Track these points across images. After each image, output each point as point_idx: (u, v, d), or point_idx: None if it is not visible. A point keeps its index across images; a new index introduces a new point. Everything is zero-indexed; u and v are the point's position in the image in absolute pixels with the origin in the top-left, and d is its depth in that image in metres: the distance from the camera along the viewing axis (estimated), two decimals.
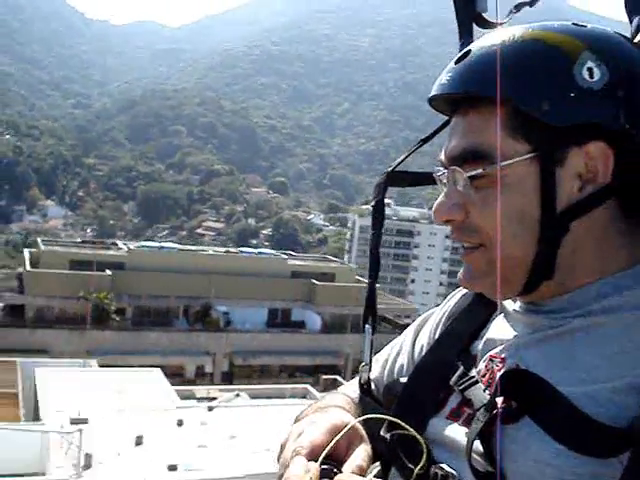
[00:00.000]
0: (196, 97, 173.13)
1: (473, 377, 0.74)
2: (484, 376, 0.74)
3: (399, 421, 0.71)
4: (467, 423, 0.72)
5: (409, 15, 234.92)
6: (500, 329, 0.79)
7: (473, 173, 0.71)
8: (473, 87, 0.71)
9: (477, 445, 0.67)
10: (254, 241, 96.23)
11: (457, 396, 0.76)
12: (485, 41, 0.74)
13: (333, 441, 0.66)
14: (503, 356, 0.74)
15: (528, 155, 0.69)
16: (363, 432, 0.72)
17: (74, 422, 11.50)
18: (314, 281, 33.14)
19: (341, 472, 0.64)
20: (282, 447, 0.71)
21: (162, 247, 37.32)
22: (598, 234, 0.71)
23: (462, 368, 0.77)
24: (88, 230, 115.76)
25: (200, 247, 43.21)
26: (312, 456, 0.65)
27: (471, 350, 0.81)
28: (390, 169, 0.89)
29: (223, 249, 43.53)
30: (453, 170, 0.73)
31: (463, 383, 0.74)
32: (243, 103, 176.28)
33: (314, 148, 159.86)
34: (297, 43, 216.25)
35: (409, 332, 0.97)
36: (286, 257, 35.72)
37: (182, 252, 36.07)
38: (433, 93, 0.77)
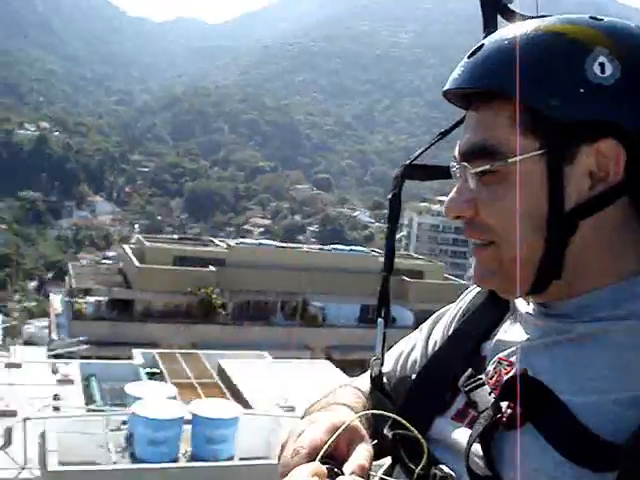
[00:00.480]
0: (237, 94, 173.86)
1: (480, 379, 0.73)
2: (492, 378, 0.74)
3: (401, 419, 0.71)
4: (471, 425, 0.71)
5: (449, 10, 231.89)
6: (511, 331, 0.79)
7: (480, 169, 0.71)
8: (483, 82, 0.71)
9: (477, 448, 0.67)
10: (301, 237, 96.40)
11: (464, 397, 0.74)
12: (498, 35, 0.73)
13: (330, 440, 0.65)
14: (512, 359, 0.74)
15: (536, 152, 0.68)
16: (364, 431, 0.71)
17: (286, 409, 12.05)
18: (405, 278, 33.41)
19: (342, 472, 0.63)
20: (282, 447, 0.70)
21: (260, 244, 38.19)
22: (609, 234, 0.70)
23: (470, 369, 0.75)
24: (136, 226, 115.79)
25: (296, 245, 43.34)
26: (312, 456, 0.64)
27: (481, 350, 0.80)
28: (408, 162, 0.87)
29: (317, 246, 44.18)
30: (463, 166, 0.74)
31: (469, 384, 0.73)
32: (284, 100, 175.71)
33: (355, 145, 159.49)
34: (336, 39, 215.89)
35: (425, 327, 0.97)
36: (377, 254, 35.94)
37: (279, 249, 36.73)
38: (446, 87, 0.77)
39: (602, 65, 0.66)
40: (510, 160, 0.68)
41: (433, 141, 0.90)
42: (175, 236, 44.49)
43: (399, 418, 0.70)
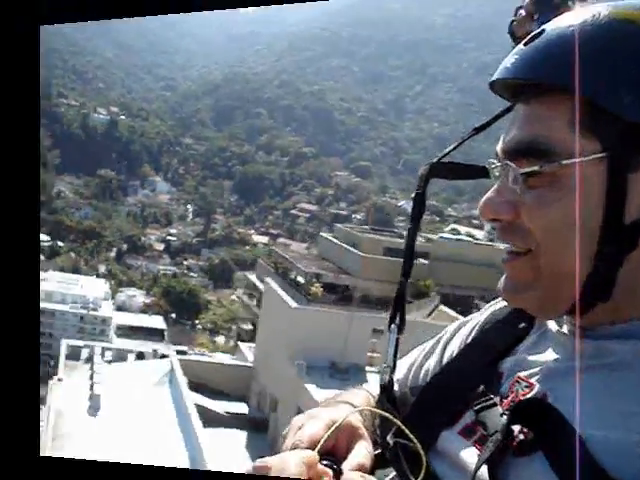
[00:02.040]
0: (274, 80, 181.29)
1: (491, 399, 0.68)
2: (506, 397, 0.68)
3: (403, 427, 0.67)
4: (479, 444, 0.67)
5: None
6: (536, 349, 0.72)
7: (529, 170, 0.63)
8: (541, 73, 0.63)
9: (484, 471, 0.63)
10: (349, 225, 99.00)
11: (469, 413, 0.71)
12: (562, 21, 0.65)
13: (326, 434, 0.64)
14: (532, 381, 0.67)
15: (598, 155, 0.60)
16: (364, 430, 0.70)
17: None
18: None
19: (340, 468, 0.62)
20: (283, 438, 0.70)
21: (459, 239, 39.20)
22: None
23: (483, 386, 0.71)
24: (188, 206, 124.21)
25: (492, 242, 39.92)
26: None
27: (499, 366, 0.74)
28: (435, 160, 0.82)
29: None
30: (507, 164, 0.66)
31: (480, 403, 0.69)
32: (317, 85, 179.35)
33: (387, 132, 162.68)
34: (368, 24, 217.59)
35: (443, 337, 0.91)
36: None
37: (477, 245, 37.27)
38: (496, 77, 0.69)
39: None
40: (564, 162, 0.61)
41: (465, 137, 0.82)
42: (366, 226, 44.95)
43: (402, 425, 0.67)
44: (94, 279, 65.44)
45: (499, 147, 0.68)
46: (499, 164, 0.68)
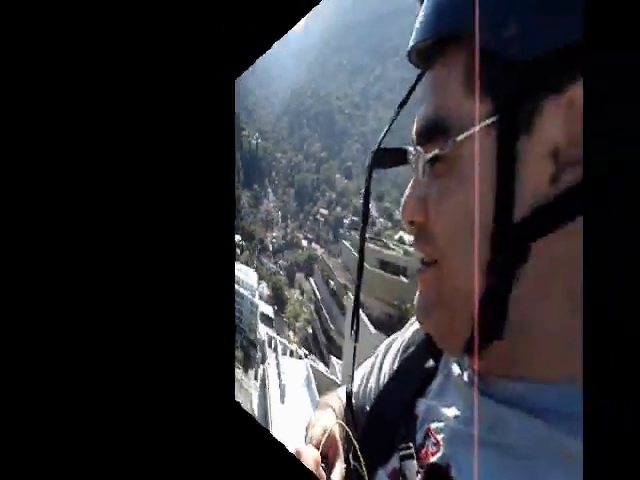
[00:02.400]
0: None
1: (410, 448, 0.62)
2: (420, 450, 0.61)
3: (360, 455, 0.67)
4: None
5: None
6: (441, 394, 0.63)
7: (431, 155, 0.51)
8: (434, 28, 0.52)
9: None
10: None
11: (396, 457, 0.64)
12: None
13: (322, 444, 0.74)
14: (438, 438, 0.59)
15: (485, 121, 0.46)
16: (340, 447, 0.73)
17: None
18: None
19: (328, 474, 0.72)
20: (307, 428, 0.81)
21: None
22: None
23: (403, 429, 0.64)
24: (279, 212, 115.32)
25: None
26: (316, 446, 0.74)
27: (416, 406, 0.66)
28: (375, 148, 0.64)
29: None
30: (416, 151, 0.54)
31: (403, 450, 0.63)
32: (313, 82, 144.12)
33: (358, 126, 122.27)
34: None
35: (379, 353, 0.86)
36: None
37: None
38: (408, 48, 0.57)
39: None
40: (458, 138, 0.48)
41: (394, 117, 0.64)
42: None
43: (358, 451, 0.68)
44: (252, 272, 67.97)
45: (412, 134, 0.56)
46: (413, 151, 0.55)
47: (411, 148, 0.56)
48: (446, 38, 0.50)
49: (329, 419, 0.75)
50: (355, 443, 0.68)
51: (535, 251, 0.44)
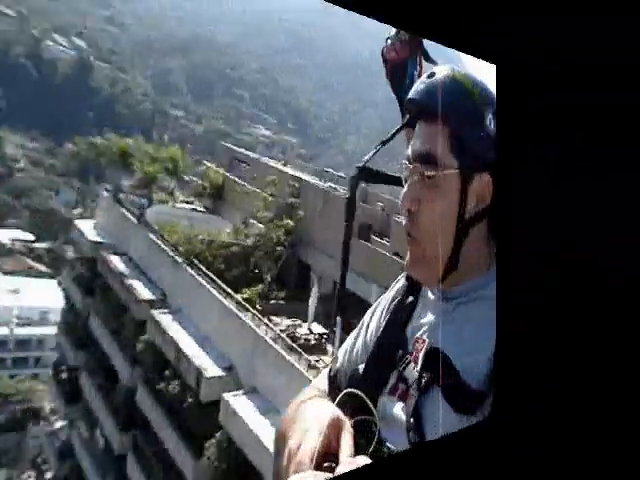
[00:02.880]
0: (251, 62, 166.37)
1: (407, 358, 0.95)
2: (412, 355, 0.95)
3: (370, 404, 0.89)
4: (401, 398, 0.93)
5: None
6: (422, 313, 1.01)
7: (428, 174, 0.94)
8: (432, 103, 0.94)
9: (407, 413, 0.86)
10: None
11: (394, 374, 0.96)
12: (444, 70, 0.98)
13: (316, 449, 0.75)
14: (424, 337, 0.96)
15: (455, 170, 0.92)
16: (345, 420, 0.81)
17: None
18: None
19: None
20: (277, 453, 0.83)
21: None
22: (480, 242, 0.97)
23: (400, 351, 0.97)
24: None
25: None
26: (314, 465, 0.73)
27: (406, 332, 1.01)
28: (361, 165, 1.13)
29: None
30: (413, 167, 0.96)
31: (402, 364, 0.95)
32: (287, 80, 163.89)
33: (344, 137, 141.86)
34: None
35: (364, 320, 1.14)
36: None
37: None
38: (410, 96, 1.00)
39: (491, 121, 0.94)
40: (442, 173, 0.93)
41: (377, 148, 1.24)
42: None
43: (369, 403, 0.87)
44: None
45: (409, 152, 0.98)
46: (410, 166, 0.97)
47: (405, 163, 0.98)
48: (438, 114, 0.93)
49: (320, 417, 0.81)
50: (367, 400, 0.87)
51: (471, 232, 0.94)
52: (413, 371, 0.93)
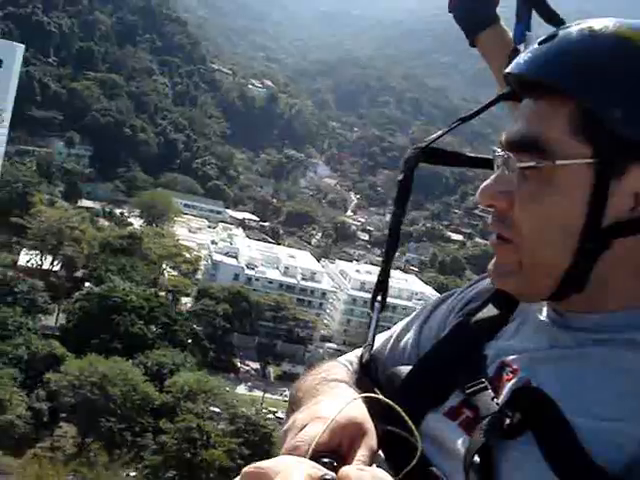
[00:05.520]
0: (398, 69, 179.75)
1: (483, 382, 0.72)
2: (493, 381, 0.72)
3: (400, 411, 0.67)
4: (465, 426, 0.71)
5: None
6: (518, 335, 0.77)
7: (525, 165, 0.69)
8: (549, 75, 0.69)
9: (475, 457, 0.65)
10: None
11: (459, 395, 0.74)
12: (574, 29, 0.71)
13: (317, 438, 0.62)
14: (515, 366, 0.72)
15: (587, 160, 0.66)
16: (370, 424, 0.67)
17: None
18: None
19: (340, 466, 0.59)
20: (284, 435, 0.68)
21: None
22: (639, 259, 0.68)
23: (472, 369, 0.74)
24: (351, 193, 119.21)
25: None
26: (311, 454, 0.61)
27: (484, 349, 0.77)
28: (424, 145, 0.86)
29: None
30: (508, 156, 0.71)
31: (472, 386, 0.72)
32: (438, 80, 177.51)
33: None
34: None
35: (422, 313, 0.94)
36: None
37: None
38: (509, 69, 0.74)
39: None
40: (559, 162, 0.67)
41: (452, 126, 0.90)
42: None
43: (402, 413, 0.66)
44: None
45: (503, 137, 0.73)
46: (502, 153, 0.73)
47: (498, 149, 0.74)
48: (555, 85, 0.68)
49: (334, 409, 0.66)
50: (401, 412, 0.67)
51: (617, 244, 0.67)
52: (490, 401, 0.70)
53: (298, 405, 0.74)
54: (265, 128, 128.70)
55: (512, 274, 0.71)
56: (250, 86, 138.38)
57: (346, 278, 64.44)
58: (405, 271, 78.55)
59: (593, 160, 0.66)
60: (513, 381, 0.71)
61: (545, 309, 0.76)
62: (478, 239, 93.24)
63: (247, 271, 61.07)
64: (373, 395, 0.70)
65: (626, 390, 0.63)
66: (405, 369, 0.82)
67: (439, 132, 0.89)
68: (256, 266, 62.18)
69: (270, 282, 61.41)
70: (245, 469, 0.55)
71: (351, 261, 78.65)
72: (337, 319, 61.55)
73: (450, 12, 1.37)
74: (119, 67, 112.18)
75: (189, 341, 44.09)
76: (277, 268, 64.28)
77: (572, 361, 0.69)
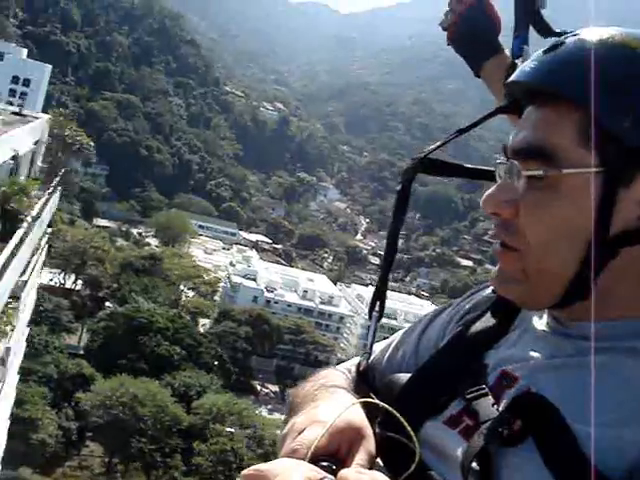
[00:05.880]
0: (407, 95, 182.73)
1: (483, 389, 0.72)
2: (494, 389, 0.72)
3: (403, 420, 0.67)
4: (465, 434, 0.69)
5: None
6: (519, 344, 0.76)
7: (533, 173, 0.68)
8: (556, 83, 0.68)
9: (473, 464, 0.65)
10: None
11: (459, 403, 0.73)
12: (580, 38, 0.70)
13: (316, 441, 0.62)
14: (516, 374, 0.71)
15: (595, 169, 0.65)
16: (369, 429, 0.68)
17: None
18: None
19: (338, 469, 0.59)
20: (282, 439, 0.68)
21: None
22: None
23: (472, 378, 0.74)
24: (361, 218, 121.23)
25: None
26: (310, 457, 0.61)
27: (484, 358, 0.77)
28: (422, 155, 0.86)
29: None
30: (512, 164, 0.70)
31: (472, 392, 0.72)
32: (446, 106, 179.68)
33: None
34: None
35: (421, 322, 0.93)
36: None
37: None
38: (514, 78, 0.73)
39: None
40: (566, 171, 0.66)
41: (450, 137, 0.89)
42: None
43: (401, 418, 0.66)
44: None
45: (509, 145, 0.72)
46: (506, 161, 0.72)
47: (502, 159, 0.73)
48: (562, 93, 0.67)
49: (334, 414, 0.66)
50: (400, 418, 0.66)
51: (622, 253, 0.66)
52: (491, 408, 0.69)
53: (296, 410, 0.74)
54: (276, 150, 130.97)
55: (516, 282, 0.71)
56: (262, 109, 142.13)
57: (363, 302, 65.39)
58: (418, 296, 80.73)
59: (601, 169, 0.65)
60: (514, 389, 0.70)
61: (546, 317, 0.75)
62: (488, 265, 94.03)
63: (266, 294, 62.39)
64: (372, 400, 0.70)
65: (626, 397, 0.63)
66: (404, 377, 0.81)
67: (437, 143, 0.88)
68: (275, 289, 63.44)
69: (289, 305, 62.62)
70: (244, 471, 0.55)
71: (366, 285, 79.87)
72: (354, 343, 62.51)
73: (449, 45, 1.35)
74: (135, 87, 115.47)
75: (215, 363, 44.40)
76: (295, 291, 65.73)
77: (573, 369, 0.68)
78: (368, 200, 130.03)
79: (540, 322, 0.76)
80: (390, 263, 0.87)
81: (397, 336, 0.95)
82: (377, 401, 0.69)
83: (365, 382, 0.84)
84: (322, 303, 63.79)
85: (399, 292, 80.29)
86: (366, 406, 0.69)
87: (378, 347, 0.95)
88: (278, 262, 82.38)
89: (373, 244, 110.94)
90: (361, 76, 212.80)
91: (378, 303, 0.89)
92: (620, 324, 0.68)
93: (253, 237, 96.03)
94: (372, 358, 0.90)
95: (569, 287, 0.67)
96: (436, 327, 0.90)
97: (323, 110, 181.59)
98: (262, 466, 0.55)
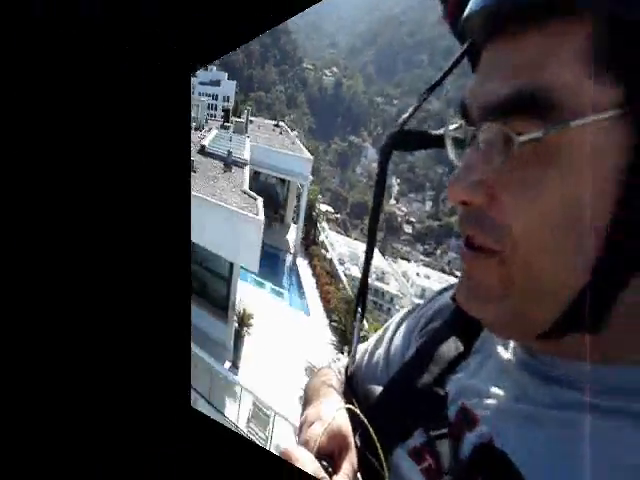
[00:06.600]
0: (428, 17, 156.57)
1: (443, 426, 0.58)
2: (454, 427, 0.57)
3: (375, 440, 0.59)
4: (427, 475, 0.57)
5: None
6: (480, 373, 0.59)
7: (533, 136, 0.42)
8: None
9: None
10: None
11: (422, 435, 0.60)
12: None
13: (318, 439, 0.60)
14: (477, 415, 0.55)
15: (615, 111, 0.40)
16: (352, 440, 0.61)
17: None
18: None
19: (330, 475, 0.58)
20: (299, 428, 0.65)
21: None
22: None
23: (433, 407, 0.60)
24: (393, 179, 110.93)
25: None
26: (314, 451, 0.58)
27: (444, 383, 0.62)
28: (396, 130, 0.63)
29: None
30: (490, 128, 0.45)
31: (434, 430, 0.58)
32: None
33: None
34: None
35: (390, 327, 0.80)
36: None
37: None
38: (473, 8, 0.47)
39: None
40: (574, 123, 0.40)
41: (420, 100, 0.62)
42: None
43: (377, 443, 0.59)
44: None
45: (471, 104, 0.47)
46: (472, 128, 0.47)
47: (460, 124, 0.50)
48: (552, 10, 0.41)
49: (329, 409, 0.62)
50: (374, 438, 0.59)
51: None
52: (451, 453, 0.55)
53: (308, 402, 0.71)
54: (333, 115, 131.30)
55: (493, 299, 0.47)
56: (324, 77, 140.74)
57: (408, 282, 68.27)
58: (451, 274, 70.47)
59: (622, 110, 0.39)
60: (474, 434, 0.54)
61: (511, 343, 0.56)
62: None
63: (338, 266, 74.30)
64: (356, 411, 0.64)
65: (622, 474, 0.42)
66: (378, 390, 0.69)
67: (410, 109, 0.62)
68: (344, 261, 65.35)
69: (353, 279, 71.11)
70: (283, 448, 0.56)
71: (406, 259, 76.06)
72: None
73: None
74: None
75: None
76: (356, 264, 69.59)
77: (551, 426, 0.47)
78: (398, 158, 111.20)
79: (504, 348, 0.57)
80: (370, 257, 0.69)
81: (372, 341, 0.82)
82: (361, 415, 0.64)
83: (350, 387, 0.75)
84: (377, 280, 62.61)
85: (432, 269, 68.55)
86: (350, 413, 0.65)
87: (360, 349, 0.83)
88: (338, 232, 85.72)
89: (405, 209, 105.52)
90: (392, 8, 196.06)
91: (360, 303, 0.74)
92: (629, 371, 0.44)
93: (323, 207, 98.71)
94: (355, 363, 0.80)
95: (572, 306, 0.44)
96: (401, 334, 0.76)
97: (362, 61, 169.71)
98: (292, 448, 0.55)
